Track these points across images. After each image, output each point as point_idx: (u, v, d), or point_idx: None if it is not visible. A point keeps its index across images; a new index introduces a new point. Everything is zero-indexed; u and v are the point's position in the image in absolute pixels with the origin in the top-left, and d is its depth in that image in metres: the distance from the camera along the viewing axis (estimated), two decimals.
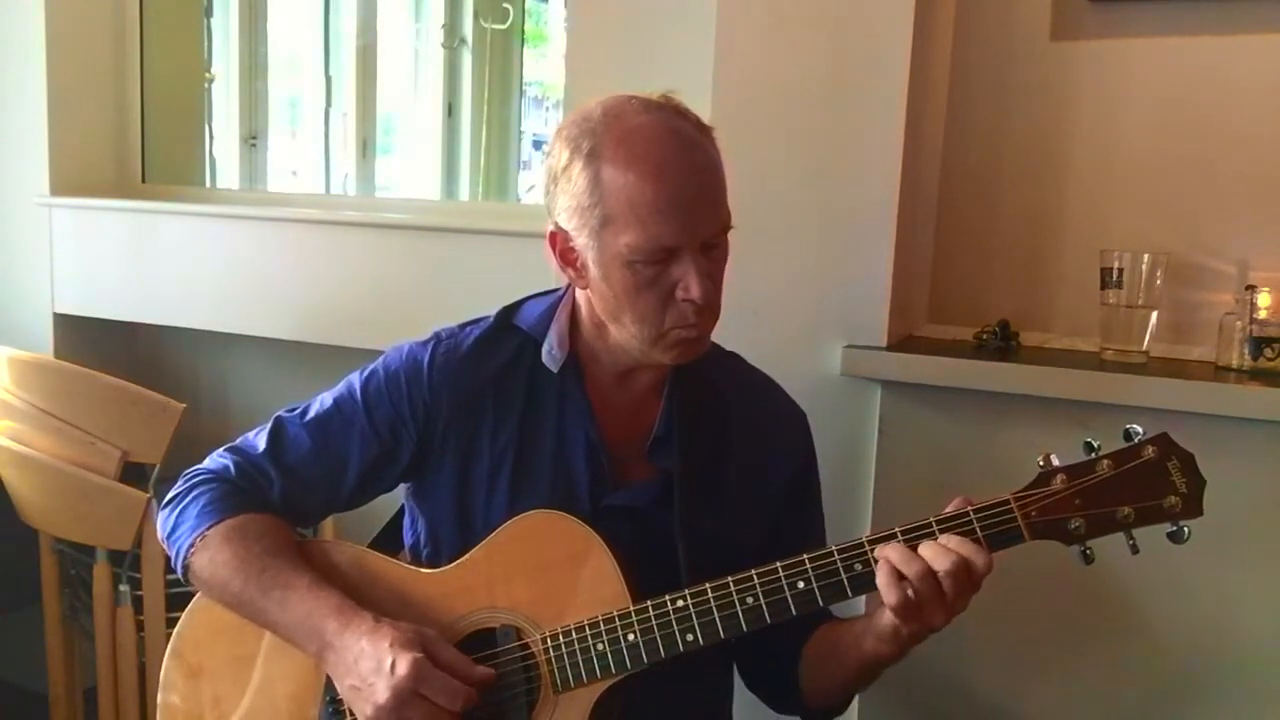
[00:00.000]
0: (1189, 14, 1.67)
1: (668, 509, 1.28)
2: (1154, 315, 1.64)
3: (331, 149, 3.85)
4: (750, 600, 1.16)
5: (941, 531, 1.12)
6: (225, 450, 1.37)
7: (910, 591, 1.10)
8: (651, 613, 1.19)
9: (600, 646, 1.19)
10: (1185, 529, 1.11)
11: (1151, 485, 1.11)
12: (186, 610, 1.36)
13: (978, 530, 1.12)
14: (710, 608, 1.17)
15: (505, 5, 3.92)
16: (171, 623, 1.70)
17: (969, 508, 1.13)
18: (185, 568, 1.31)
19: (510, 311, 1.37)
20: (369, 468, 1.34)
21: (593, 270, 1.22)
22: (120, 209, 2.62)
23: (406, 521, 1.42)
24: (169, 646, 1.36)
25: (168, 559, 1.48)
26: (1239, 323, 1.59)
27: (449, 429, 1.32)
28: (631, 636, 1.19)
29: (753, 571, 1.17)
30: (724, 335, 1.33)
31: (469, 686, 1.17)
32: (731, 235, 1.23)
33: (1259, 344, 1.57)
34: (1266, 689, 1.55)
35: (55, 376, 2.23)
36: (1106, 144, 1.73)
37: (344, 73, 3.81)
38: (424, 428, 1.32)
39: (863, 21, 1.64)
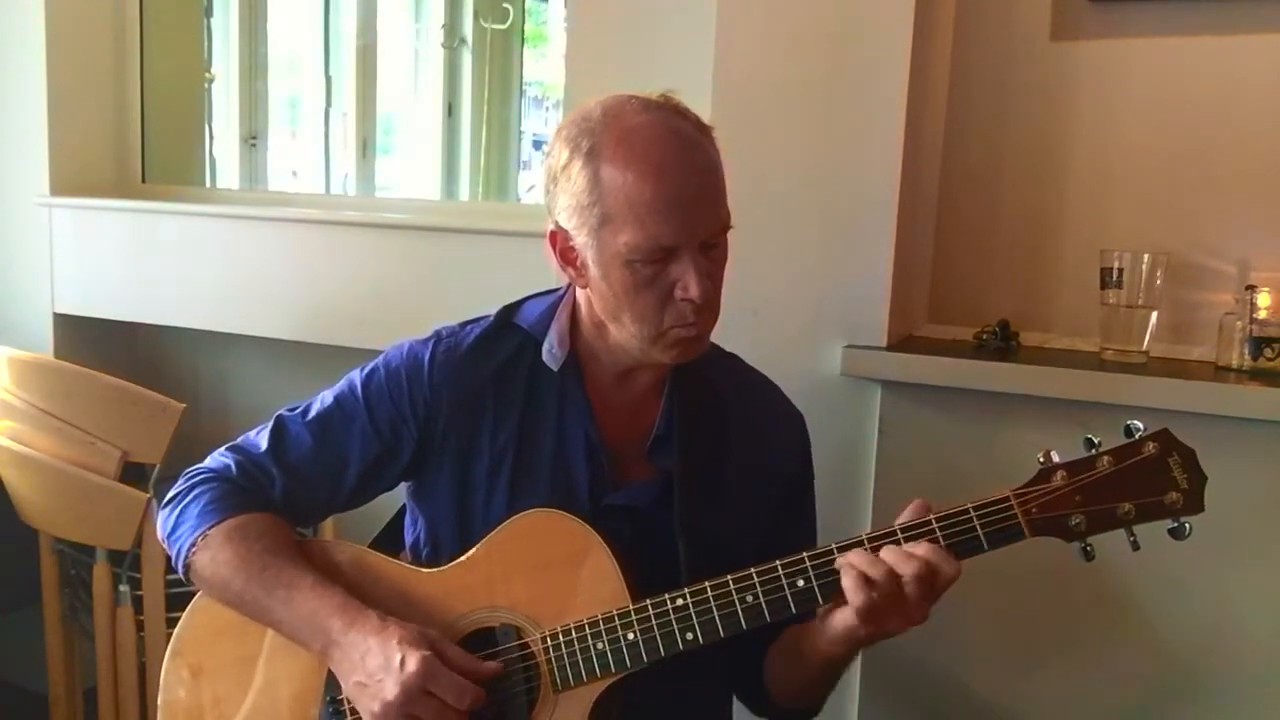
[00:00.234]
0: (1189, 14, 1.67)
1: (667, 508, 1.28)
2: (1154, 315, 1.64)
3: (331, 149, 3.85)
4: (750, 599, 1.16)
5: (907, 539, 1.13)
6: (226, 449, 1.37)
7: (875, 594, 1.11)
8: (651, 612, 1.19)
9: (600, 645, 1.19)
10: (1186, 525, 1.10)
11: (1152, 481, 1.11)
12: (187, 610, 1.36)
13: (940, 539, 1.12)
14: (710, 606, 1.17)
15: (505, 5, 3.92)
16: (171, 623, 1.70)
17: (930, 515, 1.14)
18: (186, 567, 1.31)
19: (511, 310, 1.37)
20: (370, 466, 1.34)
21: (592, 269, 1.22)
22: (120, 209, 2.62)
23: (407, 521, 1.42)
24: (169, 646, 1.35)
25: (168, 559, 1.49)
26: (1239, 323, 1.60)
27: (449, 427, 1.32)
28: (631, 635, 1.19)
29: (752, 570, 1.17)
30: (724, 335, 1.33)
31: (477, 687, 1.17)
32: (731, 235, 1.23)
33: (1259, 344, 1.57)
34: (1266, 689, 1.55)
35: (55, 376, 2.23)
36: (1106, 144, 1.73)
37: (344, 73, 3.81)
38: (424, 426, 1.32)
39: (863, 21, 1.64)
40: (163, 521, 1.35)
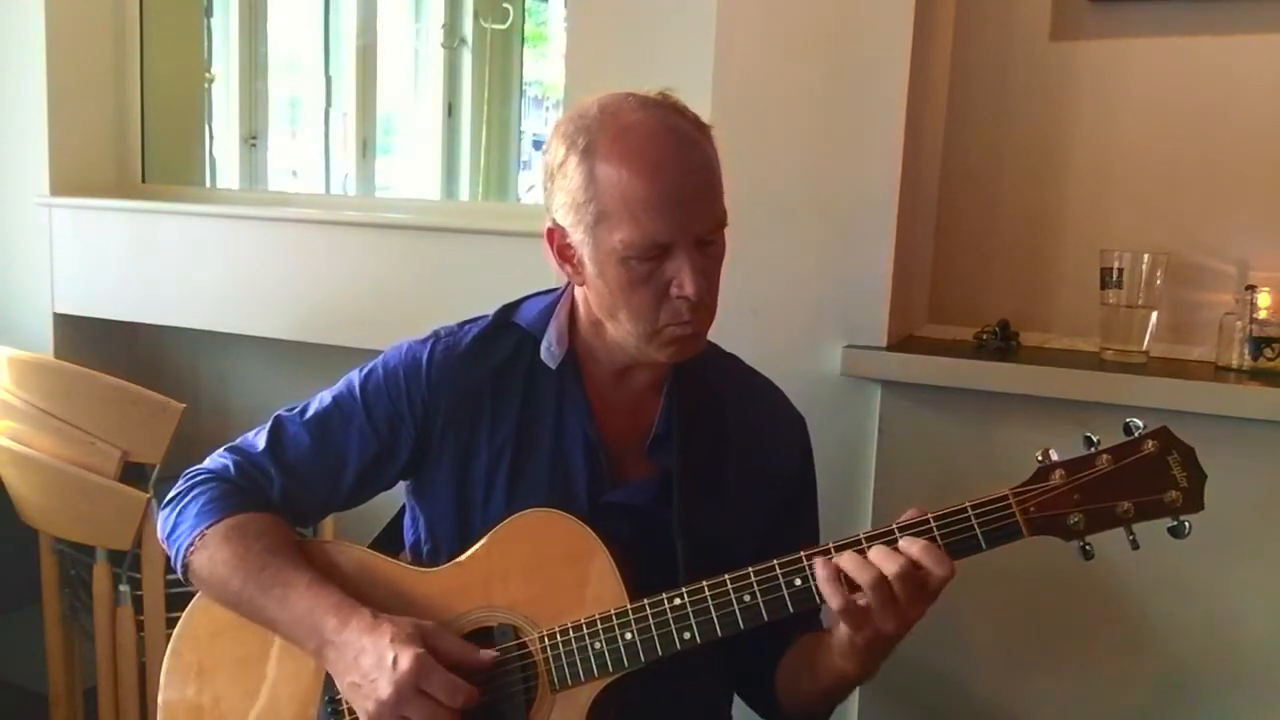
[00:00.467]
0: (1189, 14, 1.67)
1: (666, 507, 1.28)
2: (1154, 315, 1.64)
3: (331, 149, 3.86)
4: (748, 598, 1.16)
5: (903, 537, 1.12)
6: (225, 450, 1.37)
7: (855, 594, 1.10)
8: (649, 611, 1.18)
9: (598, 645, 1.19)
10: (1186, 524, 1.10)
11: (1151, 480, 1.10)
12: (186, 610, 1.36)
13: (938, 538, 1.11)
14: (708, 606, 1.17)
15: (505, 5, 3.92)
16: (171, 623, 1.69)
17: (928, 515, 1.13)
18: (185, 567, 1.31)
19: (510, 309, 1.37)
20: (368, 465, 1.34)
21: (589, 266, 1.22)
22: (120, 209, 2.62)
23: (407, 520, 1.42)
24: (169, 646, 1.35)
25: (168, 559, 1.48)
26: (1239, 323, 1.59)
27: (447, 426, 1.32)
28: (629, 635, 1.18)
29: (750, 569, 1.16)
30: (724, 335, 1.33)
31: (470, 685, 1.16)
32: (731, 235, 1.23)
33: (1259, 344, 1.57)
34: (1266, 688, 1.55)
35: (55, 376, 2.23)
36: (1106, 144, 1.73)
37: (344, 73, 3.82)
38: (422, 425, 1.32)
39: (863, 21, 1.64)
40: (162, 522, 1.35)
